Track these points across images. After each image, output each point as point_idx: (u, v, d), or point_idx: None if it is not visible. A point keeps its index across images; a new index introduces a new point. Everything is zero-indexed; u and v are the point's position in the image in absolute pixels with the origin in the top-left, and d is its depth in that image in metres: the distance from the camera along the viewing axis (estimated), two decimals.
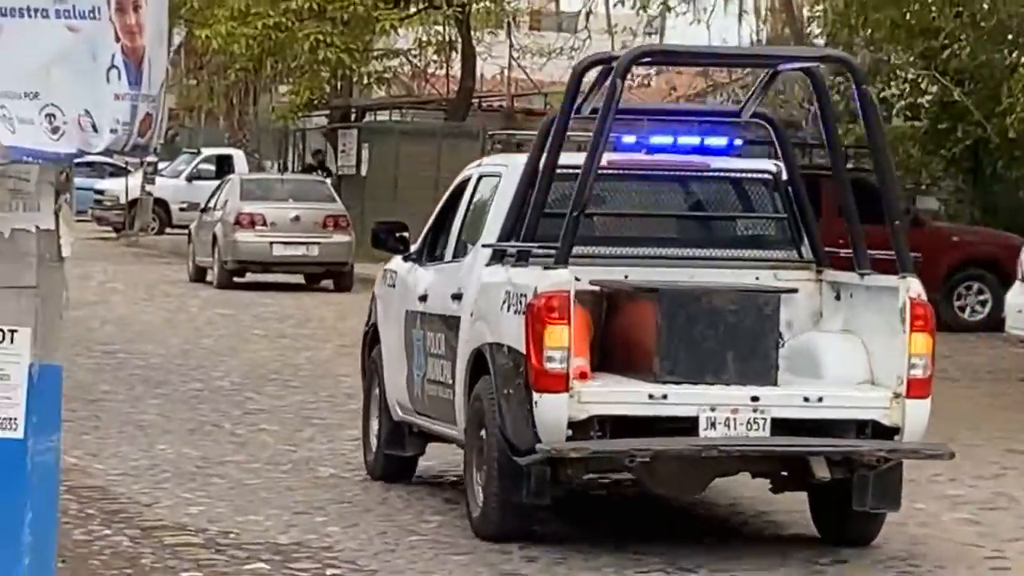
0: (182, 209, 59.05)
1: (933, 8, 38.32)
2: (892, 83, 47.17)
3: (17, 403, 8.31)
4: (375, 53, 59.75)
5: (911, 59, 44.09)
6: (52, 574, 8.79)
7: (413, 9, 56.94)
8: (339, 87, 58.84)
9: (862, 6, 42.51)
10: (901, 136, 47.24)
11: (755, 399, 17.14)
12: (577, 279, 16.68)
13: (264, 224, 46.94)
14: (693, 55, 23.63)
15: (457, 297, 18.12)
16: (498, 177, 19.20)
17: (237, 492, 16.90)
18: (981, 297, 38.04)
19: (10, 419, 8.29)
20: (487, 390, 16.64)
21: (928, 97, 44.77)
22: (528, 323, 16.30)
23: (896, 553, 15.87)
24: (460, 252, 19.36)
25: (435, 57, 60.29)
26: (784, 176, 19.09)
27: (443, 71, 59.68)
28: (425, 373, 18.60)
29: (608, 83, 16.20)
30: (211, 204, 49.19)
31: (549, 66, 62.74)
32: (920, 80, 44.52)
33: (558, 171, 17.07)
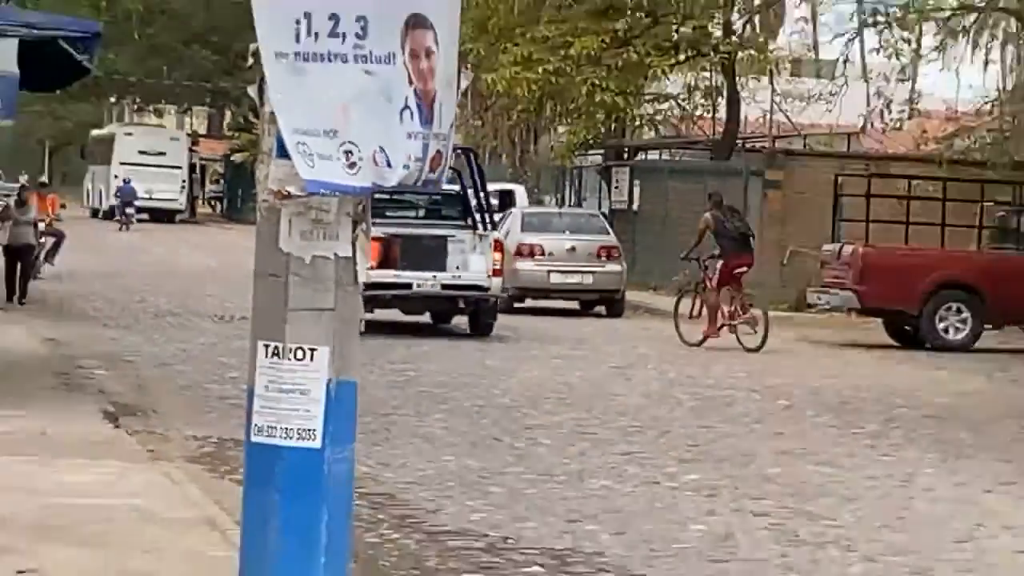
0: None
1: None
2: None
3: (316, 416, 8.43)
4: (647, 97, 59.78)
5: None
6: (345, 572, 8.86)
7: (683, 56, 56.93)
8: (613, 128, 58.90)
9: None
10: None
11: (434, 276, 40.25)
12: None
13: (543, 254, 48.70)
14: None
15: None
16: None
17: (515, 500, 16.86)
18: None
19: (309, 430, 8.42)
20: None
21: None
22: None
23: None
24: None
25: (702, 101, 60.06)
26: (464, 190, 41.91)
27: (709, 114, 59.50)
28: None
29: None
30: None
31: (809, 110, 62.61)
32: None
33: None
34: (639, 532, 15.46)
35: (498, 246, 42.34)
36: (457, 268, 40.76)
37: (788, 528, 16.10)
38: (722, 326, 38.88)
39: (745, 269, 39.90)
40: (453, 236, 41.55)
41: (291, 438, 8.53)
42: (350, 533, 8.80)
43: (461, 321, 43.49)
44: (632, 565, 14.05)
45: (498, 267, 41.79)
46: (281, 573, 8.67)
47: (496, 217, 45.79)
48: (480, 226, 41.70)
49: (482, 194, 43.04)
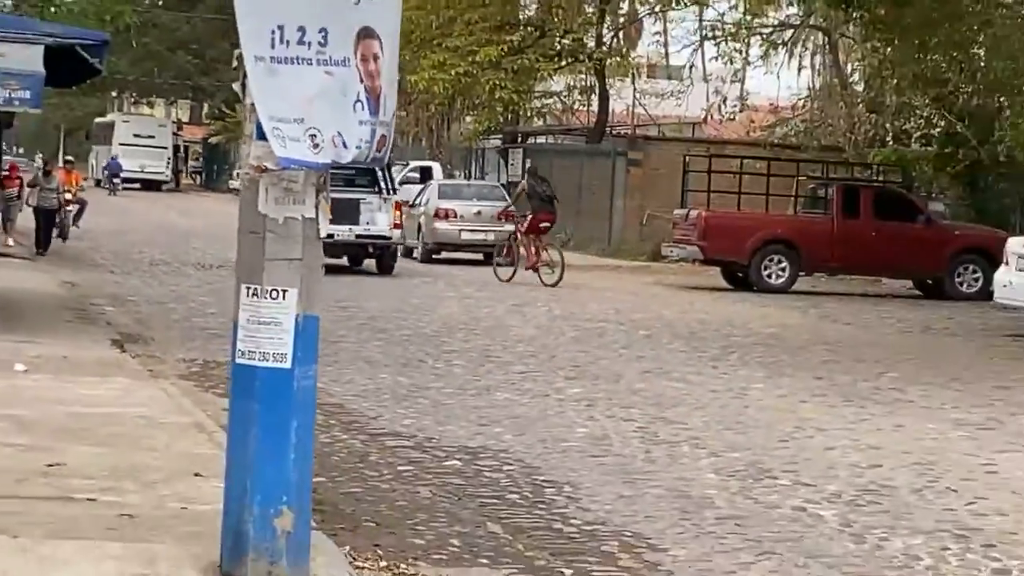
0: None
1: (943, 64, 38.14)
2: (912, 119, 47.07)
3: (287, 343, 8.49)
4: (536, 94, 60.31)
5: (926, 101, 44.02)
6: (310, 465, 8.86)
7: (564, 62, 57.52)
8: (509, 118, 59.37)
9: (891, 63, 42.73)
10: (917, 158, 46.85)
11: (350, 228, 40.40)
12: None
13: (455, 216, 48.43)
14: None
15: None
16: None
17: (437, 409, 17.10)
18: (975, 275, 37.07)
19: (282, 354, 8.51)
20: None
21: (938, 129, 44.65)
22: None
23: (916, 459, 15.59)
24: None
25: (579, 97, 60.72)
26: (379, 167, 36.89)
27: (585, 107, 60.11)
28: None
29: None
30: (417, 202, 50.28)
31: (662, 104, 63.54)
32: (932, 117, 44.42)
33: None
34: (535, 433, 15.60)
35: (398, 206, 44.38)
36: (367, 223, 42.98)
37: (650, 431, 16.33)
38: (529, 267, 39.93)
39: (548, 224, 41.56)
40: (364, 199, 43.17)
41: (267, 360, 8.58)
42: (312, 435, 8.84)
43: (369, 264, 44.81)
44: (529, 459, 14.13)
45: (398, 222, 43.93)
46: (259, 467, 8.67)
47: (414, 188, 48.19)
48: (385, 192, 44.27)
49: (386, 169, 44.95)
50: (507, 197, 48.02)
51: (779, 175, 46.80)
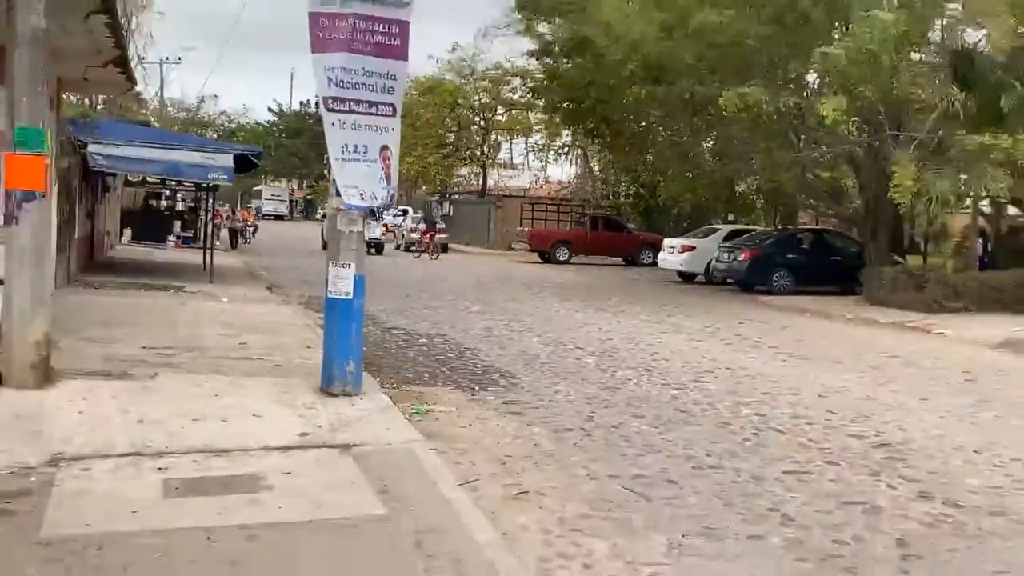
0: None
1: (635, 162, 37.56)
2: (620, 186, 46.68)
3: (350, 287, 8.57)
4: (455, 177, 58.41)
5: (626, 179, 43.98)
6: (361, 342, 8.93)
7: (467, 163, 56.78)
8: (442, 186, 57.51)
9: (612, 162, 42.36)
10: (623, 204, 45.92)
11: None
12: None
13: (416, 231, 42.95)
14: None
15: None
16: None
17: (418, 319, 16.61)
18: (650, 255, 35.98)
19: (347, 292, 8.60)
20: None
21: (632, 191, 44.13)
22: None
23: (626, 337, 15.66)
24: None
25: (475, 175, 58.89)
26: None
27: (478, 182, 58.38)
28: None
29: None
30: (400, 224, 44.98)
31: (512, 180, 58.52)
32: (630, 185, 44.35)
33: None
34: (459, 327, 15.46)
35: (386, 227, 38.85)
36: (371, 233, 34.24)
37: (510, 326, 16.17)
38: (424, 251, 38.44)
39: (433, 234, 39.41)
40: (370, 223, 36.74)
41: (340, 295, 8.70)
42: (362, 330, 8.89)
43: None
44: (457, 339, 14.10)
45: (384, 232, 38.19)
46: (338, 343, 8.77)
47: (398, 219, 44.08)
48: (380, 219, 37.14)
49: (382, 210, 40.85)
50: (444, 225, 45.11)
51: (563, 212, 46.62)
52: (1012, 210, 32.08)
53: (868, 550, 5.58)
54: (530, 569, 4.99)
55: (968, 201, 22.48)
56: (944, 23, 21.30)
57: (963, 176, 19.51)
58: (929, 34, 21.06)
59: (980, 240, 25.45)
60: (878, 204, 22.60)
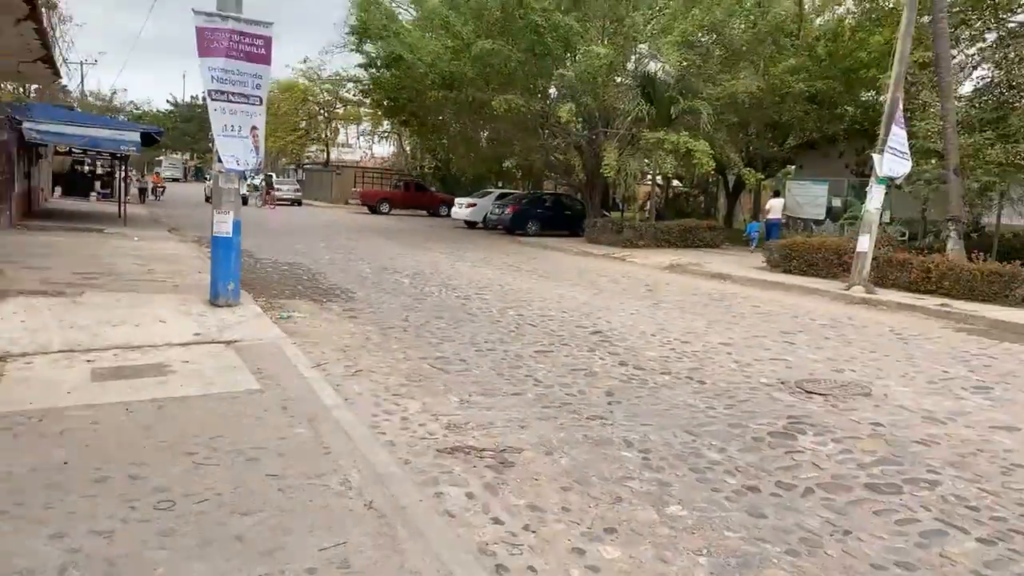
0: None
1: (437, 143, 36.82)
2: (428, 162, 45.80)
3: (230, 228, 8.04)
4: (306, 153, 55.55)
5: (430, 157, 43.14)
6: (239, 268, 8.47)
7: (314, 142, 53.86)
8: (299, 160, 55.07)
9: (419, 142, 41.32)
10: (428, 172, 44.81)
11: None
12: None
13: (277, 190, 39.97)
14: None
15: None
16: None
17: (278, 250, 15.65)
18: (447, 209, 34.20)
19: (228, 231, 8.05)
20: None
21: (432, 164, 43.46)
22: None
23: (450, 270, 15.38)
24: None
25: (320, 153, 56.63)
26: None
27: (323, 155, 56.00)
28: None
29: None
30: (262, 184, 42.67)
31: (347, 154, 57.54)
32: (431, 160, 43.61)
33: None
34: (311, 258, 14.76)
35: (250, 187, 35.47)
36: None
37: (347, 256, 15.49)
38: (265, 204, 35.96)
39: (270, 191, 37.23)
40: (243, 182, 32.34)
41: (222, 234, 8.18)
42: (240, 266, 8.37)
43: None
44: (310, 266, 13.45)
45: (249, 190, 34.92)
46: (221, 268, 8.29)
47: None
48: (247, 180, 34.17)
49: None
50: (300, 187, 42.40)
51: (385, 178, 44.43)
52: (676, 183, 33.85)
53: (588, 398, 5.84)
54: (365, 422, 4.96)
55: (649, 176, 23.42)
56: (636, 56, 21.96)
57: (647, 160, 20.30)
58: (627, 64, 21.62)
59: (656, 200, 26.67)
60: (594, 177, 23.26)
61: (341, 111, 51.24)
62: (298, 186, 42.19)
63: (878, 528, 3.79)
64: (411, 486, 3.87)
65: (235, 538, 3.26)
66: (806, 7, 23.77)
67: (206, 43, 7.72)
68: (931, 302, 11.63)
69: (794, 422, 5.36)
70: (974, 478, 4.47)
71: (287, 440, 4.40)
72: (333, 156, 54.42)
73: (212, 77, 7.70)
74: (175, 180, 75.39)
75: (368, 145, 54.79)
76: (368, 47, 26.18)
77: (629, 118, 20.14)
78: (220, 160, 7.92)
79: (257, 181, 39.35)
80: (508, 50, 19.89)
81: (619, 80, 21.53)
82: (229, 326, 7.29)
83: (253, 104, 8.01)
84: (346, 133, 54.83)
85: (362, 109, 46.78)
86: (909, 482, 4.37)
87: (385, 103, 29.65)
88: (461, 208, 29.83)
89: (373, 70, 27.61)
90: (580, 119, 21.78)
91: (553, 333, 8.36)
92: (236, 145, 7.93)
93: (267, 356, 6.28)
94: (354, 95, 45.26)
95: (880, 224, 13.53)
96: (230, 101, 7.83)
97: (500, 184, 38.10)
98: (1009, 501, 4.18)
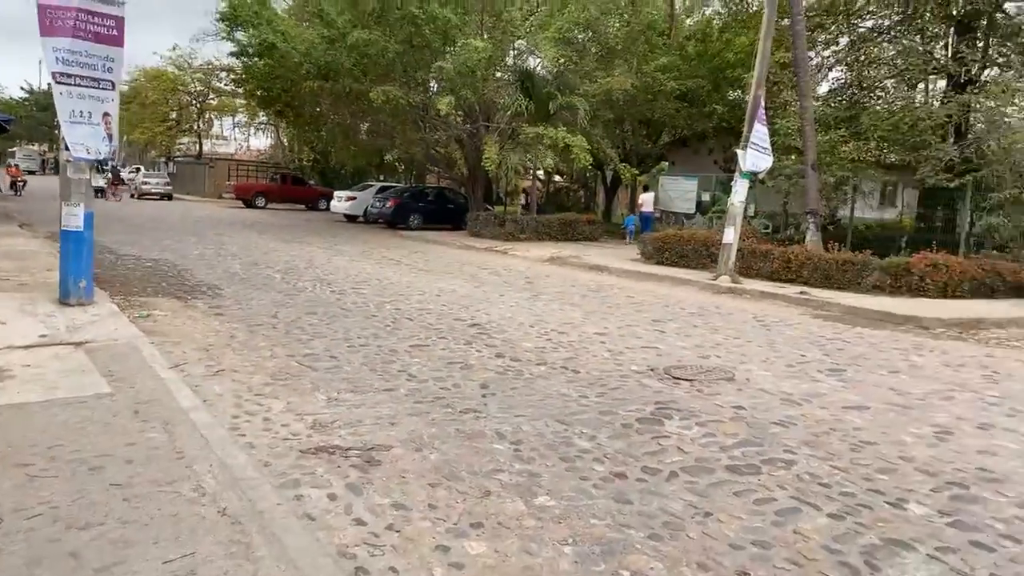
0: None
1: (315, 135, 35.80)
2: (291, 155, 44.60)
3: (80, 221, 7.57)
4: (177, 145, 52.60)
5: (307, 150, 41.92)
6: (92, 264, 7.98)
7: (186, 134, 51.11)
8: (168, 152, 52.32)
9: (296, 136, 39.90)
10: (304, 166, 44.02)
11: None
12: None
13: (145, 184, 37.84)
14: None
15: None
16: None
17: (145, 246, 14.87)
18: (327, 203, 33.46)
19: (79, 225, 7.61)
20: None
21: (312, 158, 42.34)
22: None
23: (323, 260, 15.00)
24: None
25: (192, 144, 53.96)
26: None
27: (196, 147, 53.37)
28: None
29: None
30: (133, 179, 39.93)
31: (222, 147, 54.95)
32: (309, 153, 42.45)
33: None
34: (178, 254, 14.07)
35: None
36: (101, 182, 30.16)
37: (217, 252, 14.79)
38: (112, 196, 33.27)
39: (117, 184, 34.72)
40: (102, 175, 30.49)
41: (72, 228, 7.73)
42: (92, 259, 7.87)
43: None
44: (176, 263, 12.79)
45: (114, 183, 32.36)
46: (71, 265, 7.80)
47: (133, 175, 38.81)
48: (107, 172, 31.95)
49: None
50: (169, 181, 40.05)
51: (261, 172, 42.38)
52: (557, 178, 34.35)
53: (462, 391, 5.78)
54: (224, 424, 4.71)
55: (529, 170, 23.65)
56: (515, 52, 22.09)
57: (527, 154, 20.49)
58: (506, 59, 21.71)
59: (538, 194, 26.97)
60: (476, 171, 23.26)
61: (214, 102, 49.01)
62: (168, 179, 40.01)
63: (737, 509, 3.83)
64: (270, 490, 3.69)
65: (69, 555, 3.00)
66: (677, 7, 24.60)
67: (49, 21, 7.14)
68: (791, 290, 12.30)
69: (661, 407, 5.45)
70: (827, 456, 4.60)
71: (137, 446, 4.10)
72: (207, 148, 52.08)
73: (57, 59, 7.13)
74: (31, 173, 69.80)
75: (244, 137, 52.76)
76: (239, 35, 25.15)
77: (509, 112, 20.25)
78: (68, 148, 7.33)
79: (135, 176, 36.86)
80: (385, 41, 19.56)
81: (499, 75, 21.61)
82: (80, 326, 6.79)
83: (104, 89, 7.46)
84: (220, 125, 52.57)
85: (237, 100, 44.92)
86: (767, 462, 4.45)
87: (259, 93, 28.53)
88: (341, 202, 29.19)
89: (245, 59, 26.56)
90: (460, 113, 21.72)
91: (431, 327, 8.26)
92: (85, 132, 7.37)
93: (121, 357, 5.88)
94: (227, 85, 43.43)
95: (745, 217, 14.20)
96: (78, 85, 7.27)
97: (381, 177, 37.52)
98: (857, 477, 4.31)
